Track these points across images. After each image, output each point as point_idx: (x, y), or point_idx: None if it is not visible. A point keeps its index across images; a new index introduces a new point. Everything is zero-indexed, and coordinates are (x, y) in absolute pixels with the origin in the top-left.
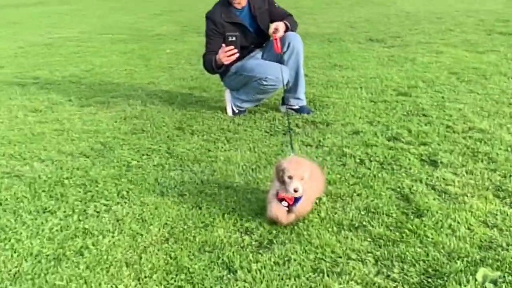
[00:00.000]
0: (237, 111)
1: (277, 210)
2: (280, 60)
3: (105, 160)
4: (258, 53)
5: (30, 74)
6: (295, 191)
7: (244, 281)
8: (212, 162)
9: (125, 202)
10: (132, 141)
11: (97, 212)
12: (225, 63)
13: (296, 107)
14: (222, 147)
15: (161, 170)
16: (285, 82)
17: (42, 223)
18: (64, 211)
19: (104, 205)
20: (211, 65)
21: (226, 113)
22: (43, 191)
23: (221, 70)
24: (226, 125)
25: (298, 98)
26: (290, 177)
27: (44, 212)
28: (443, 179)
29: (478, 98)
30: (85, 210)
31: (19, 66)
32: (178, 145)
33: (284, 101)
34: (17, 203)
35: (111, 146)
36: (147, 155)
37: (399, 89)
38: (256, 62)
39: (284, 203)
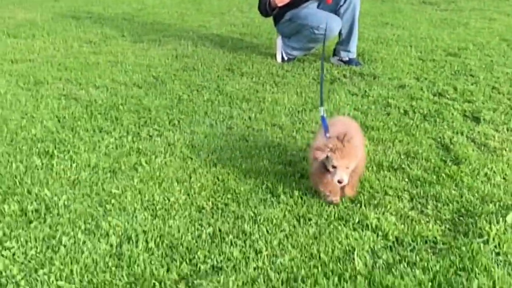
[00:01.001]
0: (286, 58)
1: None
2: (335, 12)
3: (157, 92)
4: (313, 3)
5: (84, 9)
6: (340, 182)
7: (286, 204)
8: (259, 102)
9: (176, 130)
10: (183, 77)
11: (150, 136)
12: (279, 4)
13: (346, 59)
14: (270, 90)
15: (210, 105)
16: (336, 33)
17: (98, 140)
18: (119, 132)
19: (156, 130)
20: (266, 7)
21: (276, 59)
22: (99, 113)
23: (275, 12)
24: (275, 70)
25: (349, 51)
26: (334, 167)
27: (100, 132)
28: (484, 134)
29: None
30: (138, 133)
31: (73, 0)
32: (228, 84)
33: (335, 53)
34: (75, 121)
35: (163, 80)
36: (197, 90)
37: (449, 50)
38: (311, 11)
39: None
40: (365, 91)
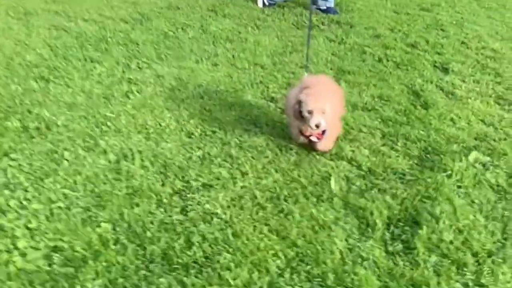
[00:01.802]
0: (267, 4)
1: (313, 145)
2: None
3: (144, 28)
4: None
5: None
6: (317, 126)
7: (269, 134)
8: (242, 42)
9: (164, 63)
10: (168, 15)
11: (139, 68)
12: None
13: (323, 7)
14: (252, 32)
15: (195, 43)
16: None
17: (90, 69)
18: (110, 63)
19: (145, 63)
20: None
21: (257, 4)
22: (90, 44)
23: None
24: (256, 14)
25: (326, 0)
26: (310, 112)
27: (91, 61)
28: (452, 83)
29: (494, 24)
30: (128, 65)
31: None
32: (211, 24)
33: (313, 2)
34: (66, 50)
35: (149, 17)
36: (182, 28)
37: (422, 5)
38: None
39: (314, 138)
40: (342, 38)
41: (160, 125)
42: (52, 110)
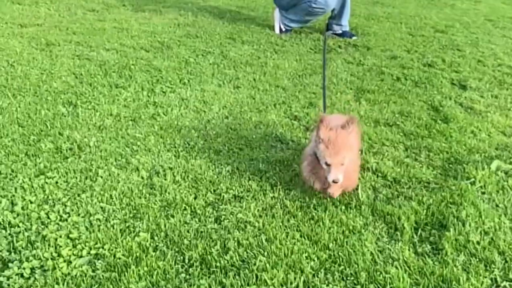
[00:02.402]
0: (284, 29)
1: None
2: None
3: (165, 55)
4: None
5: None
6: (335, 182)
7: (295, 149)
8: (262, 66)
9: (187, 87)
10: (188, 43)
11: (163, 92)
12: None
13: (339, 31)
14: (271, 56)
15: (216, 68)
16: (332, 7)
17: (116, 94)
18: (134, 88)
19: (169, 87)
20: None
21: (274, 30)
22: (113, 71)
23: None
24: (274, 40)
25: (341, 25)
26: (328, 164)
27: (116, 87)
28: (470, 99)
29: (510, 42)
30: (152, 89)
31: None
32: (231, 50)
33: (328, 27)
34: (91, 78)
35: (169, 45)
36: (203, 55)
37: (437, 27)
38: None
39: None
40: (360, 60)
41: (188, 144)
42: (83, 132)
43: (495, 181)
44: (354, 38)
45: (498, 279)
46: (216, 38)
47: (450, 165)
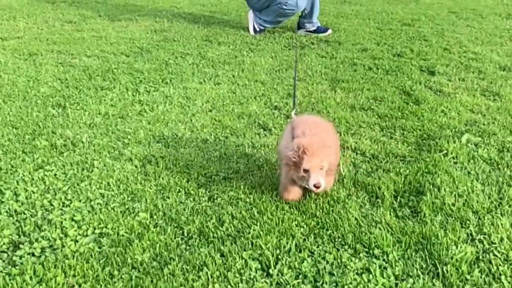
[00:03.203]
0: (258, 29)
1: (295, 194)
2: None
3: (145, 59)
4: None
5: None
6: (317, 187)
7: (276, 135)
8: (240, 64)
9: (170, 86)
10: (166, 47)
11: (147, 91)
12: None
13: (313, 28)
14: (247, 55)
15: (196, 67)
16: (303, 8)
17: (103, 95)
18: (119, 89)
19: (152, 87)
20: None
21: (248, 31)
22: (97, 75)
23: None
24: (249, 40)
25: (312, 22)
26: (306, 171)
27: (102, 89)
28: (439, 83)
29: (473, 31)
30: (137, 89)
31: None
32: (208, 51)
33: (300, 26)
34: (77, 82)
35: (148, 49)
36: (181, 57)
37: (404, 21)
38: None
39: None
40: (332, 54)
41: (176, 135)
42: (75, 130)
43: (466, 152)
44: (328, 31)
45: (473, 233)
46: (193, 41)
47: (424, 141)
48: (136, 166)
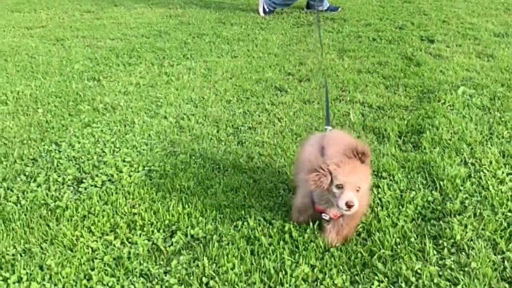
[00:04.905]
0: (267, 10)
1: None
2: None
3: (165, 39)
4: None
5: None
6: (349, 206)
7: (292, 94)
8: (253, 41)
9: (191, 60)
10: (183, 29)
11: (171, 65)
12: None
13: (325, 8)
14: (259, 33)
15: (213, 45)
16: None
17: (131, 70)
18: (146, 64)
19: (175, 61)
20: None
21: (258, 13)
22: (124, 54)
23: None
24: (259, 20)
25: (322, 5)
26: (339, 187)
27: (129, 65)
28: (438, 49)
29: (470, 5)
30: (161, 64)
31: None
32: (223, 31)
33: (309, 7)
34: (106, 60)
35: (166, 32)
36: (198, 37)
37: None
38: None
39: (325, 216)
40: (339, 29)
41: (203, 97)
42: (112, 97)
43: (461, 101)
44: (339, 9)
45: (467, 158)
46: (207, 23)
47: (424, 94)
48: (171, 122)
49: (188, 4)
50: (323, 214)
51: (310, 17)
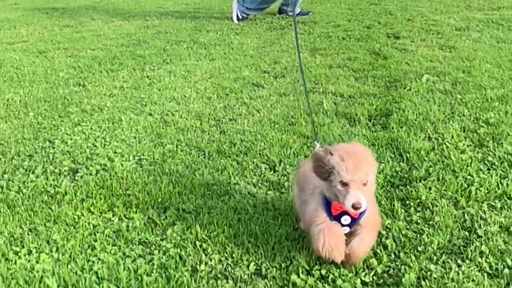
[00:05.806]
0: (241, 17)
1: (331, 242)
2: None
3: (144, 47)
4: None
5: (47, 6)
6: (356, 208)
7: (269, 89)
8: (229, 44)
9: (171, 65)
10: (161, 37)
11: (152, 69)
12: None
13: (296, 13)
14: (234, 37)
15: (191, 50)
16: None
17: (115, 75)
18: (128, 70)
19: (156, 66)
20: None
21: (232, 20)
22: (105, 62)
23: None
24: (234, 27)
25: (295, 7)
26: (344, 184)
27: (112, 71)
28: (403, 44)
29: (434, 4)
30: (142, 69)
31: (31, 1)
32: (199, 37)
33: (281, 12)
34: (89, 68)
35: (145, 40)
36: (176, 44)
37: (371, 1)
38: None
39: (346, 219)
40: (310, 31)
41: (185, 96)
42: (98, 100)
43: (425, 87)
44: (309, 14)
45: (430, 134)
46: (184, 31)
47: (391, 83)
48: (156, 118)
49: (164, 15)
50: (342, 218)
51: (282, 21)
